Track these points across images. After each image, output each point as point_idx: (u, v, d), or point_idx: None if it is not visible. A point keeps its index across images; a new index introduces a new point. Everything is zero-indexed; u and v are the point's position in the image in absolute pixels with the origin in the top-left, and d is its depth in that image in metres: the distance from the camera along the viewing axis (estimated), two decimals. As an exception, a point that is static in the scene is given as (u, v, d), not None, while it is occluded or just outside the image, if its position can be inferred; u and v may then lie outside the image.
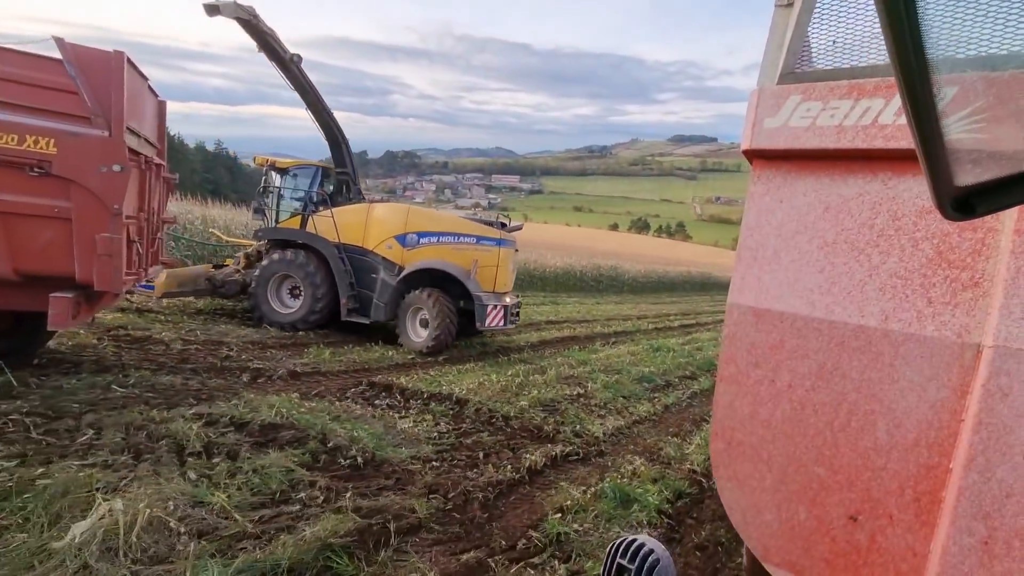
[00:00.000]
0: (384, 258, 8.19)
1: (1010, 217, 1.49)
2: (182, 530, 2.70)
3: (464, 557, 2.98)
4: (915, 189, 1.70)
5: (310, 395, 5.34)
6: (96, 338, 6.12)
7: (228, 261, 9.46)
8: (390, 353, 7.52)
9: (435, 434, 4.78)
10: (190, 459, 3.55)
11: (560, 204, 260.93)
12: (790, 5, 1.94)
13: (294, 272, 8.17)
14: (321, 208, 8.67)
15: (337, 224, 8.33)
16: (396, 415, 5.13)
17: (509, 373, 7.04)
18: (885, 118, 1.69)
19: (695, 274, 35.25)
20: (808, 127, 1.85)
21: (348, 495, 3.39)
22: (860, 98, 1.76)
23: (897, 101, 1.67)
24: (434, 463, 4.18)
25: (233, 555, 2.62)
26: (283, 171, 9.13)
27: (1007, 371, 1.46)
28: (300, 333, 8.00)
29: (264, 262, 8.37)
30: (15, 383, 4.34)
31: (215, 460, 3.60)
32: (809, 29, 1.93)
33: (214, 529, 2.81)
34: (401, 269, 8.06)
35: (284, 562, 2.60)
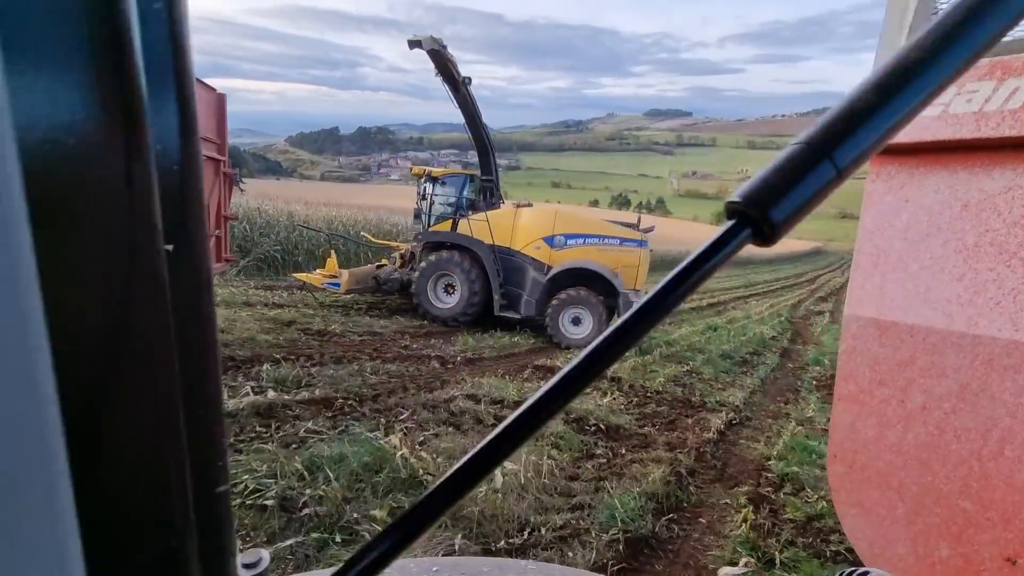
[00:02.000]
0: (533, 258, 8.78)
1: None
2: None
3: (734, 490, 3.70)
4: None
5: (500, 377, 5.77)
6: (277, 335, 6.28)
7: (384, 261, 10.23)
8: (516, 339, 8.16)
9: (621, 406, 5.34)
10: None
11: (538, 180, 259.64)
12: None
13: (452, 271, 8.75)
14: (471, 212, 9.33)
15: (491, 226, 8.84)
16: (587, 393, 5.55)
17: (624, 356, 7.29)
18: None
19: (687, 251, 35.47)
20: (938, 115, 1.61)
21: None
22: (1006, 78, 1.50)
23: None
24: (644, 428, 4.76)
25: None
26: (436, 179, 9.74)
27: None
28: (438, 325, 8.67)
29: (423, 263, 8.94)
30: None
31: None
32: (932, 9, 1.71)
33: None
34: (550, 268, 8.62)
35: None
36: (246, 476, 2.89)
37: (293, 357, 5.33)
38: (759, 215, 0.27)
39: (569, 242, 8.52)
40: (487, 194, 9.94)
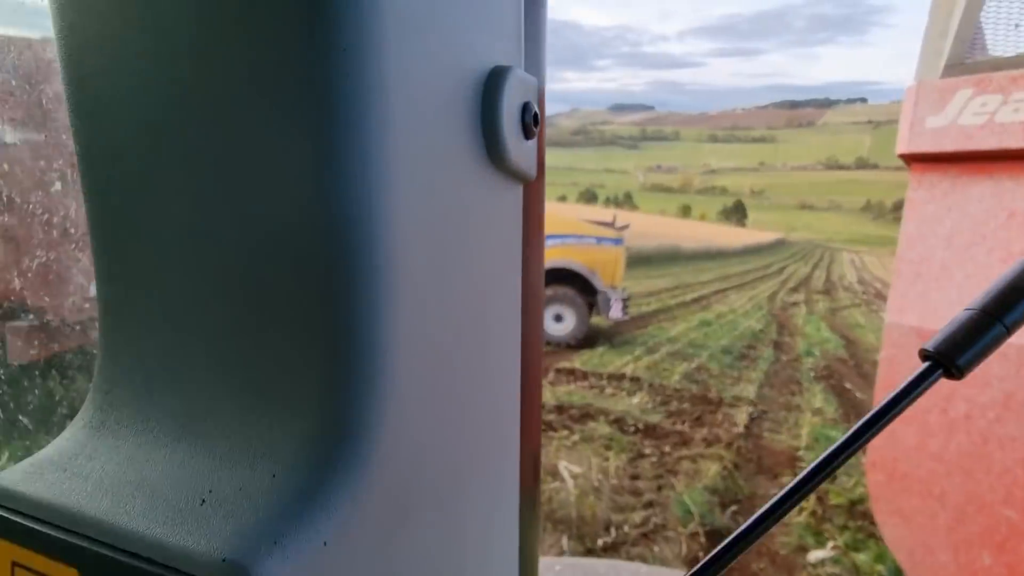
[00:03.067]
0: None
1: None
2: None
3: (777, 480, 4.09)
4: None
5: None
6: None
7: None
8: None
9: (649, 405, 5.58)
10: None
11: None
12: None
13: None
14: None
15: None
16: (618, 395, 5.79)
17: (634, 354, 7.95)
18: None
19: (666, 245, 36.20)
20: (984, 124, 1.64)
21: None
22: None
23: None
24: (677, 426, 5.01)
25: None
26: None
27: None
28: None
29: None
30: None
31: (559, 432, 4.43)
32: (983, 12, 1.74)
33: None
34: None
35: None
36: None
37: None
38: (949, 362, 0.38)
39: (549, 242, 8.63)
40: None
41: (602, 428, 4.48)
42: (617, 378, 6.42)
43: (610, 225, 9.16)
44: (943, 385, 1.65)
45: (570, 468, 3.59)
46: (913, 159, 1.84)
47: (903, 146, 1.82)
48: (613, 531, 3.00)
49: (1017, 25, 1.73)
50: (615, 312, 8.32)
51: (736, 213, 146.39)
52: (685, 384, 6.55)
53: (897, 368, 1.84)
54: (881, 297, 25.11)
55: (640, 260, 32.84)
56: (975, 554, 1.67)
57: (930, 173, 1.82)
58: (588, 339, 9.34)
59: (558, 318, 8.41)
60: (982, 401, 1.65)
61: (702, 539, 2.99)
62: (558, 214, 9.65)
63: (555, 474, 3.52)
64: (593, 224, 9.14)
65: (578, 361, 7.24)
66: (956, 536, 1.71)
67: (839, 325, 13.96)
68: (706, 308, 14.67)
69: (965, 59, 1.74)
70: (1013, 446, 1.58)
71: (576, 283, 8.50)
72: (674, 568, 2.71)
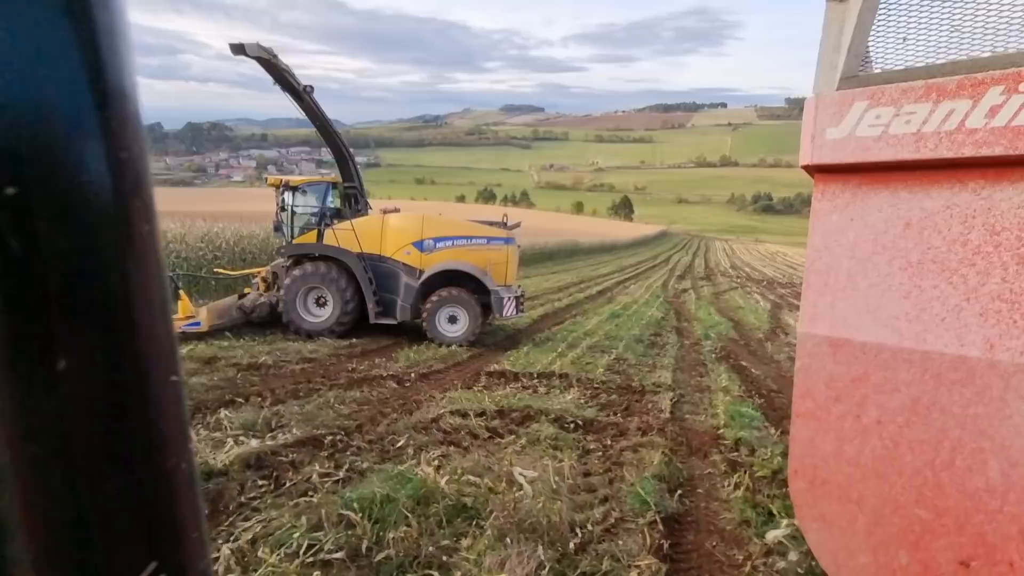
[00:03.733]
0: (404, 263, 8.91)
1: None
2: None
3: (708, 459, 4.44)
4: (1016, 198, 1.49)
5: (466, 388, 5.86)
6: (210, 376, 5.74)
7: (248, 289, 9.68)
8: (452, 349, 8.16)
9: (581, 400, 5.74)
10: (486, 441, 4.36)
11: (400, 177, 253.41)
12: (845, 0, 1.76)
13: (320, 283, 8.68)
14: (336, 221, 9.13)
15: (357, 235, 8.77)
16: (552, 393, 5.90)
17: (558, 351, 8.12)
18: (974, 121, 1.50)
19: (566, 242, 37.63)
20: (879, 136, 1.65)
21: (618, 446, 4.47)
22: (941, 100, 1.55)
23: (988, 100, 1.49)
24: (611, 417, 5.23)
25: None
26: (295, 189, 9.49)
27: None
28: (355, 341, 8.41)
29: (287, 279, 8.73)
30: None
31: (506, 438, 4.40)
32: (873, 27, 1.74)
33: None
34: (422, 272, 8.81)
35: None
36: (294, 534, 2.72)
37: (242, 399, 4.87)
38: None
39: (438, 245, 8.84)
40: (351, 201, 9.87)
41: (546, 429, 4.51)
42: (547, 376, 6.52)
43: (502, 225, 9.33)
44: (856, 392, 1.74)
45: (525, 474, 3.57)
46: (815, 170, 1.81)
47: (805, 158, 1.79)
48: (579, 531, 3.02)
49: (904, 39, 1.76)
50: (508, 310, 8.43)
51: (624, 208, 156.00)
52: (609, 376, 6.84)
53: (813, 378, 1.85)
54: (752, 280, 28.26)
55: (544, 256, 33.89)
56: (892, 554, 1.71)
57: (832, 184, 1.81)
58: (514, 336, 9.47)
59: (452, 319, 8.50)
60: (892, 407, 1.69)
61: (660, 527, 3.12)
62: (448, 217, 9.73)
63: (512, 482, 3.48)
64: (483, 224, 9.32)
65: (507, 362, 7.25)
66: (874, 538, 1.75)
67: (724, 308, 15.48)
68: (612, 300, 15.48)
69: (859, 72, 1.75)
70: (922, 448, 1.64)
71: (469, 284, 8.61)
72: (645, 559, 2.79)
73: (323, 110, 9.26)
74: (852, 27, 1.73)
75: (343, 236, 8.81)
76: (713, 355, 8.71)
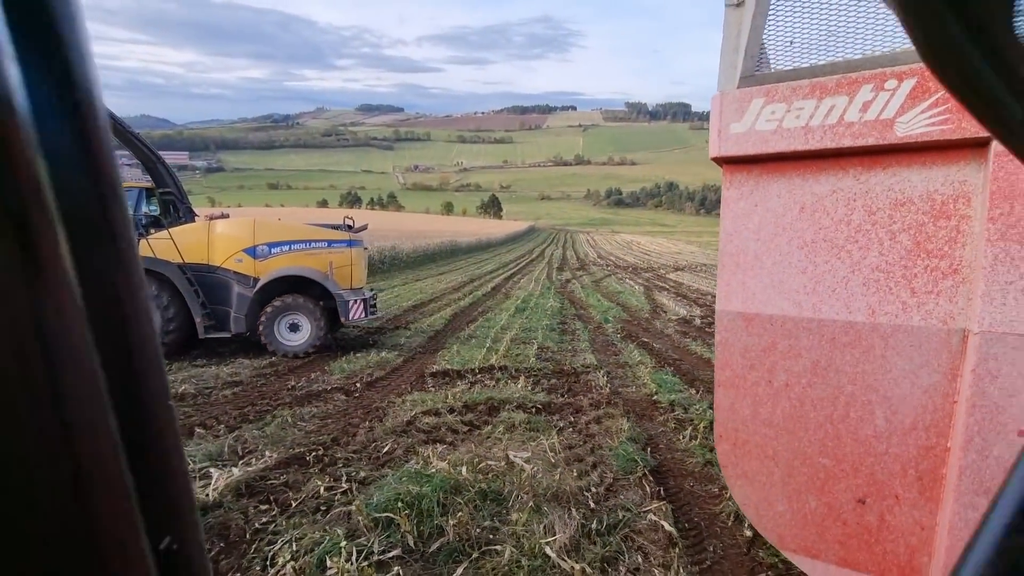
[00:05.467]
0: (236, 272, 8.33)
1: (982, 205, 1.54)
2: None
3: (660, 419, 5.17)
4: (887, 182, 1.70)
5: (419, 390, 5.97)
6: None
7: None
8: (383, 355, 8.06)
9: (530, 388, 6.10)
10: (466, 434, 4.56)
11: (250, 183, 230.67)
12: (740, 5, 1.90)
13: None
14: (153, 231, 8.31)
15: (178, 244, 8.03)
16: (502, 384, 6.17)
17: (486, 346, 8.33)
18: (851, 115, 1.69)
19: (446, 243, 37.53)
20: (775, 130, 1.82)
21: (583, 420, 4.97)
22: (823, 97, 1.73)
23: (861, 97, 1.69)
24: (564, 399, 5.71)
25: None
26: None
27: (995, 355, 1.49)
28: (272, 360, 7.78)
29: None
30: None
31: (484, 429, 4.65)
32: (765, 30, 1.90)
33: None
34: (256, 280, 8.30)
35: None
36: (338, 544, 2.72)
37: (186, 431, 4.42)
38: None
39: (274, 251, 8.43)
40: (170, 208, 9.08)
41: (516, 416, 4.83)
42: (488, 370, 6.81)
43: (349, 228, 9.09)
44: (767, 359, 2.17)
45: (520, 456, 3.86)
46: (723, 161, 1.97)
47: (714, 150, 1.95)
48: (587, 494, 3.42)
49: (791, 42, 1.89)
50: (356, 313, 8.30)
51: (493, 206, 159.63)
52: (542, 364, 7.34)
53: (730, 350, 2.03)
54: (619, 267, 31.21)
55: (427, 258, 33.77)
56: (803, 500, 1.90)
57: (738, 174, 1.97)
58: (436, 337, 9.49)
59: (294, 328, 8.18)
60: (797, 370, 1.88)
61: (651, 477, 3.65)
62: (285, 222, 9.17)
63: (512, 464, 3.75)
64: (325, 228, 8.98)
65: (444, 362, 7.38)
66: (788, 487, 1.95)
67: (608, 294, 17.01)
68: (509, 296, 16.12)
69: (755, 72, 1.90)
70: (823, 405, 1.84)
71: (313, 290, 8.36)
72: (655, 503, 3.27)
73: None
74: (747, 30, 1.87)
75: (160, 246, 8.07)
76: (618, 336, 9.69)
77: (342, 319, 8.35)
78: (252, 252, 8.32)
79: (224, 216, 8.95)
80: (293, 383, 6.32)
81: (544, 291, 17.46)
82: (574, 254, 45.51)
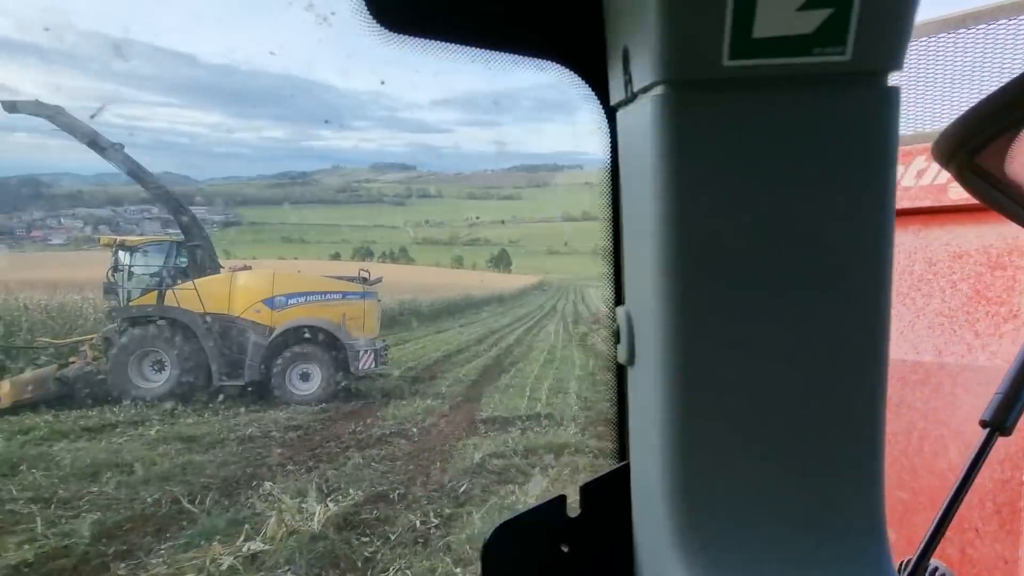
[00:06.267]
0: (254, 322, 8.77)
1: None
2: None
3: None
4: (944, 238, 1.82)
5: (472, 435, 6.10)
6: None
7: (74, 359, 8.77)
8: (421, 404, 8.06)
9: (579, 431, 6.26)
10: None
11: (267, 236, 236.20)
12: None
13: (159, 346, 8.29)
14: (179, 281, 8.82)
15: (201, 295, 8.45)
16: (552, 430, 6.36)
17: (526, 395, 8.24)
18: (907, 181, 1.88)
19: (460, 296, 38.12)
20: None
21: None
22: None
23: (916, 166, 1.86)
24: (605, 440, 5.78)
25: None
26: (132, 249, 9.10)
27: None
28: (324, 406, 7.94)
29: (122, 341, 8.22)
30: None
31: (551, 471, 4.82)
32: None
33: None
34: (272, 330, 8.70)
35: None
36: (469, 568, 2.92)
37: (267, 471, 4.66)
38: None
39: (290, 302, 8.88)
40: (197, 259, 9.64)
41: (580, 459, 5.02)
42: (535, 417, 6.99)
43: (364, 280, 9.51)
44: None
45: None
46: None
47: None
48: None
49: None
50: (366, 363, 8.54)
51: (502, 261, 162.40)
52: (582, 411, 7.49)
53: None
54: (634, 321, 31.10)
55: (444, 311, 34.14)
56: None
57: None
58: (475, 386, 9.65)
59: (305, 377, 8.47)
60: None
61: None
62: (303, 274, 9.81)
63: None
64: (340, 280, 9.49)
65: (489, 410, 7.56)
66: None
67: (629, 347, 17.10)
68: (532, 348, 16.29)
69: None
70: (897, 440, 1.94)
71: (324, 340, 8.67)
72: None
73: (141, 167, 9.13)
74: None
75: (185, 296, 8.58)
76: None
77: (352, 368, 8.50)
78: (270, 303, 8.76)
79: (246, 268, 9.59)
80: (352, 427, 6.55)
81: (566, 343, 17.63)
82: (586, 308, 45.65)
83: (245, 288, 8.92)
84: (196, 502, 4.01)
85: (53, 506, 4.18)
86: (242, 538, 3.39)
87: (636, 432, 0.52)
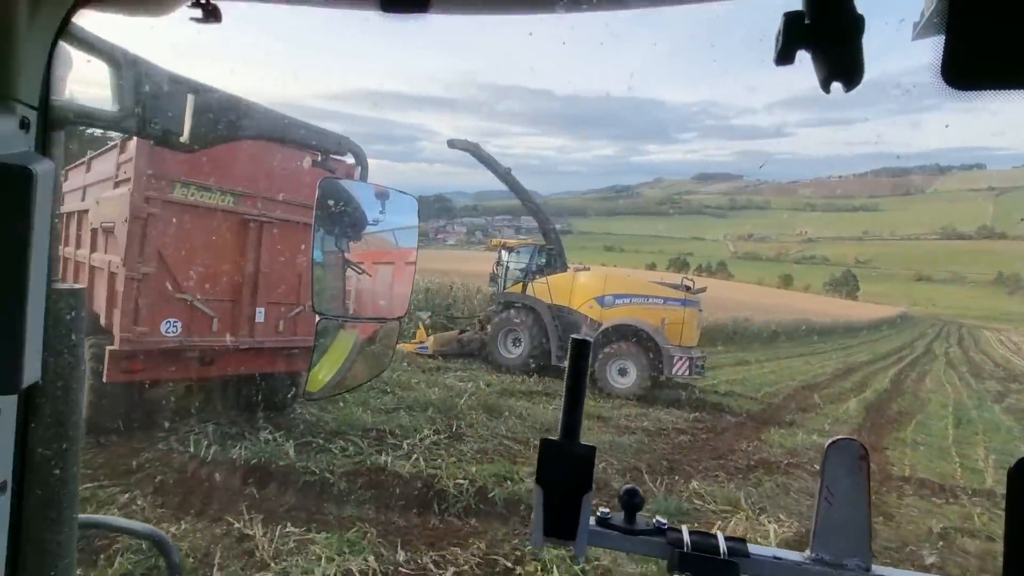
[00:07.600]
0: (586, 316, 9.99)
1: None
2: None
3: None
4: None
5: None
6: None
7: (468, 329, 12.22)
8: (810, 438, 7.90)
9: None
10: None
11: (590, 244, 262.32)
12: None
13: (518, 326, 10.47)
14: (537, 276, 10.90)
15: (550, 288, 10.34)
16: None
17: (957, 463, 7.08)
18: None
19: (798, 320, 34.04)
20: None
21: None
22: None
23: None
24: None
25: None
26: (511, 249, 11.89)
27: None
28: (660, 417, 8.83)
29: (495, 319, 10.85)
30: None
31: None
32: None
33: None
34: (600, 324, 9.73)
35: None
36: None
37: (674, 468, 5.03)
38: None
39: (617, 301, 9.60)
40: (551, 260, 11.35)
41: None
42: (987, 494, 5.47)
43: (687, 289, 9.60)
44: None
45: None
46: None
47: None
48: None
49: None
50: (680, 370, 8.67)
51: (846, 284, 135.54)
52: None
53: None
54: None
55: (779, 334, 30.63)
56: None
57: None
58: (868, 431, 8.42)
59: (622, 372, 8.98)
60: None
61: None
62: (630, 276, 11.10)
63: None
64: (664, 286, 9.91)
65: (906, 468, 6.34)
66: None
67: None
68: (921, 398, 12.97)
69: None
70: None
71: (643, 341, 9.07)
72: None
73: (521, 185, 11.14)
74: None
75: (540, 289, 10.35)
76: None
77: (665, 372, 8.85)
78: (601, 300, 9.89)
79: (586, 269, 11.19)
80: (742, 446, 6.48)
81: (975, 400, 13.31)
82: (986, 357, 33.63)
83: (583, 285, 10.30)
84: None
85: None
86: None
87: None
